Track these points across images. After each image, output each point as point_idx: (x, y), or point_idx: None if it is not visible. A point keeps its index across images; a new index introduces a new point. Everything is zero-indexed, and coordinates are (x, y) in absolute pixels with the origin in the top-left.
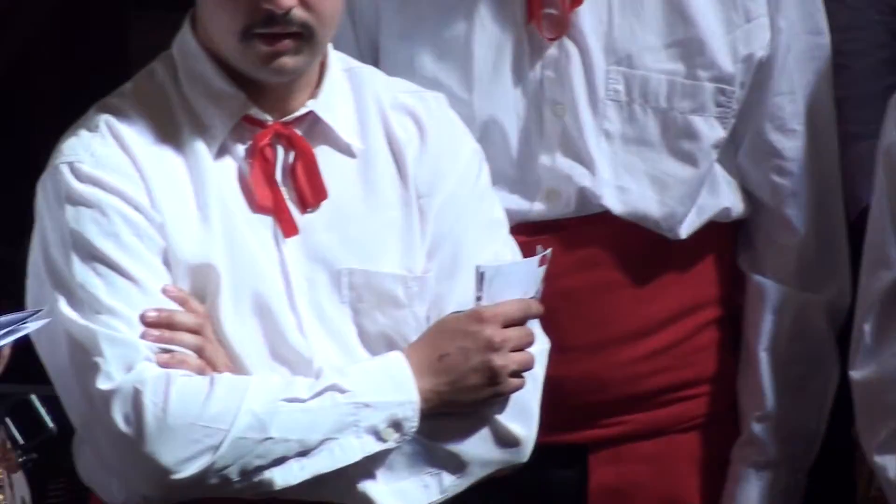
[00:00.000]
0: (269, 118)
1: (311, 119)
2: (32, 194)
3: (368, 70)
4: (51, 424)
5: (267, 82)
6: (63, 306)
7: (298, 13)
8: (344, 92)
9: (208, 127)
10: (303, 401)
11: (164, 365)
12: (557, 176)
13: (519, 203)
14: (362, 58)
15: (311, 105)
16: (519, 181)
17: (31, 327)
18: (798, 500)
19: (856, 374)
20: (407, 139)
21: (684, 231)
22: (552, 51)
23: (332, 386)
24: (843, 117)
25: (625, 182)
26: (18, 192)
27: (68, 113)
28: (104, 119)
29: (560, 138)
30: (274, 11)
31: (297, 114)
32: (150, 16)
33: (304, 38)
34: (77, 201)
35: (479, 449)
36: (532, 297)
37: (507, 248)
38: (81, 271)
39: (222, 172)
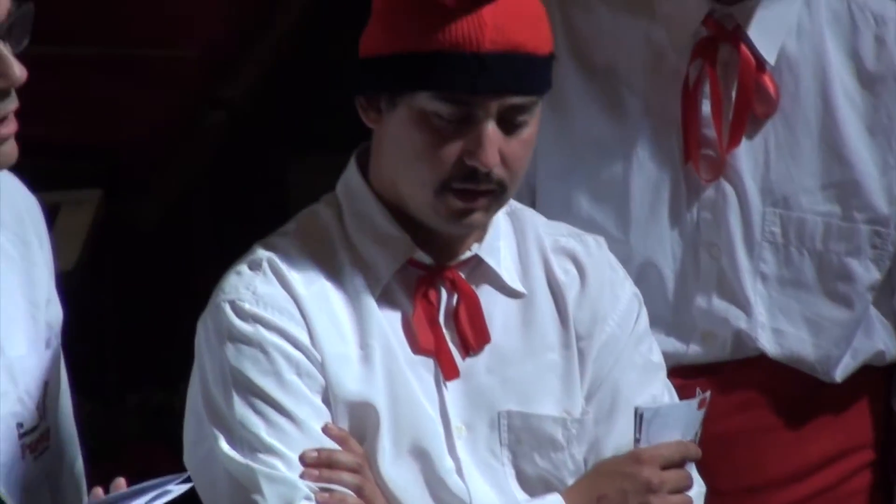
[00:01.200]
0: (433, 262)
1: (475, 261)
2: (192, 337)
3: (529, 213)
4: None
5: (439, 229)
6: (222, 444)
7: (498, 171)
8: (507, 234)
9: (372, 268)
10: None
11: None
12: (713, 318)
13: (675, 346)
14: (520, 198)
15: (476, 249)
16: (675, 324)
17: (175, 492)
18: None
19: None
20: (567, 282)
21: (839, 374)
22: (709, 192)
23: None
24: None
25: (781, 324)
26: (177, 335)
27: (228, 254)
28: (266, 257)
29: (716, 280)
30: (478, 169)
31: (462, 258)
32: (309, 159)
33: (497, 194)
34: (238, 339)
35: None
36: (690, 440)
37: (666, 392)
38: (241, 409)
39: (385, 313)
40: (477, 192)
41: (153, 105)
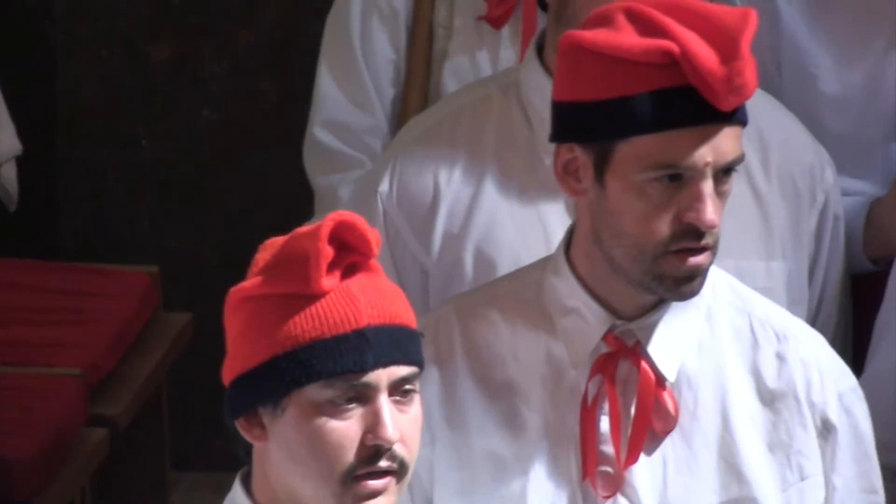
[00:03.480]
0: None
1: None
2: None
3: None
4: None
5: None
6: None
7: (399, 449)
8: None
9: None
10: None
11: None
12: None
13: None
14: None
15: None
16: None
17: None
18: None
19: None
20: None
21: None
22: None
23: None
24: None
25: None
26: None
27: None
28: None
29: None
30: (380, 448)
31: None
32: (190, 475)
33: (400, 475)
34: None
35: None
36: None
37: None
38: None
39: None
40: (382, 472)
41: (33, 423)
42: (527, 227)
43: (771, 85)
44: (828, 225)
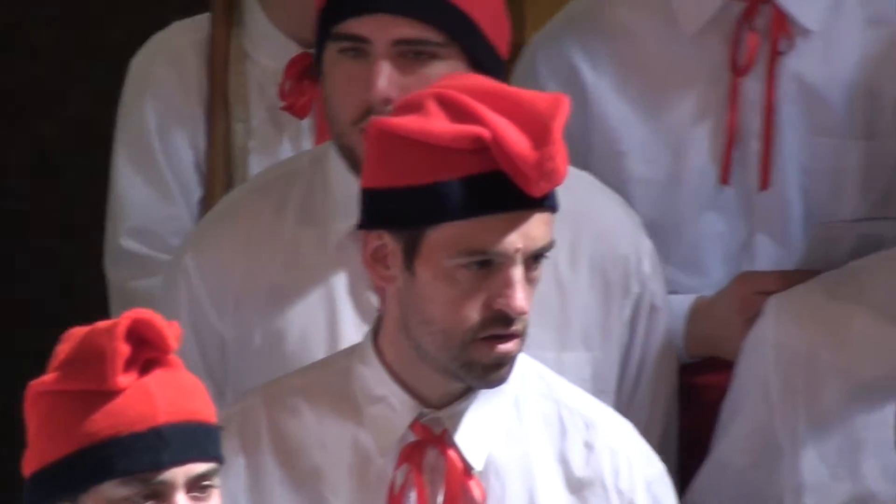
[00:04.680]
0: None
1: None
2: None
3: None
4: None
5: None
6: None
7: None
8: None
9: None
10: None
11: None
12: None
13: None
14: None
15: None
16: None
17: None
18: None
19: None
20: None
21: None
22: None
23: None
24: None
25: None
26: None
27: None
28: None
29: None
30: None
31: None
32: None
33: None
34: None
35: None
36: None
37: None
38: None
39: None
40: None
41: None
42: (314, 302)
43: (583, 169)
44: (642, 316)
